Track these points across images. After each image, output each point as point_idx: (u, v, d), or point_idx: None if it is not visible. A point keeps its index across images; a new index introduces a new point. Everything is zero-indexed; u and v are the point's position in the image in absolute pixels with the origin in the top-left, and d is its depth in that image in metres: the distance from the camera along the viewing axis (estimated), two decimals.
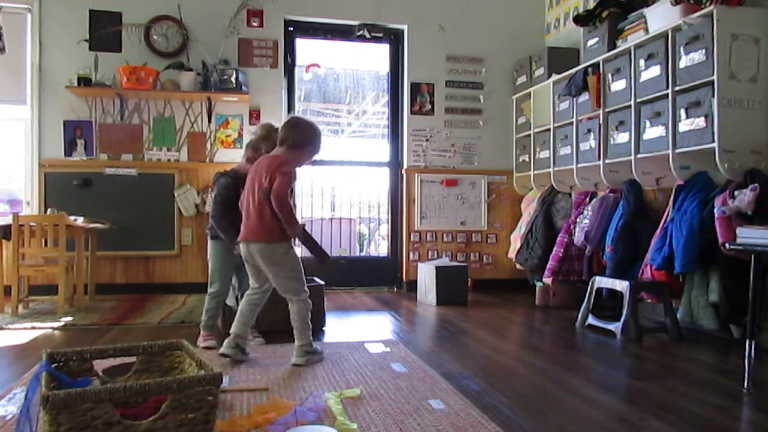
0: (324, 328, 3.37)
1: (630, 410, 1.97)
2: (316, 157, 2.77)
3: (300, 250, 2.69)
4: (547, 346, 3.12)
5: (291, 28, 5.08)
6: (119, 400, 1.36)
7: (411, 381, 2.25)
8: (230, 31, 4.80)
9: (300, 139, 2.58)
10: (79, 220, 4.02)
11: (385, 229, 5.51)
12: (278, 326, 2.95)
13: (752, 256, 2.23)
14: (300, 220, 2.64)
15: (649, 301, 3.45)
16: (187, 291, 4.63)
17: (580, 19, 4.22)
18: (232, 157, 4.86)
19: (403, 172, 5.20)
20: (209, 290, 2.94)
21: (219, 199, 2.86)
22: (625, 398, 2.15)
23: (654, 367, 2.63)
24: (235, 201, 2.73)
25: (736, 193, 2.87)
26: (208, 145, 4.84)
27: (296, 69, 5.19)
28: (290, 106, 5.13)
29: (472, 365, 2.56)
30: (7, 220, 3.73)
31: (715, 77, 3.01)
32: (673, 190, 3.36)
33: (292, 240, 2.58)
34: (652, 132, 3.46)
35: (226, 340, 2.59)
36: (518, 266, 4.79)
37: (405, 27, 5.21)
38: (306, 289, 2.58)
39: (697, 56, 3.12)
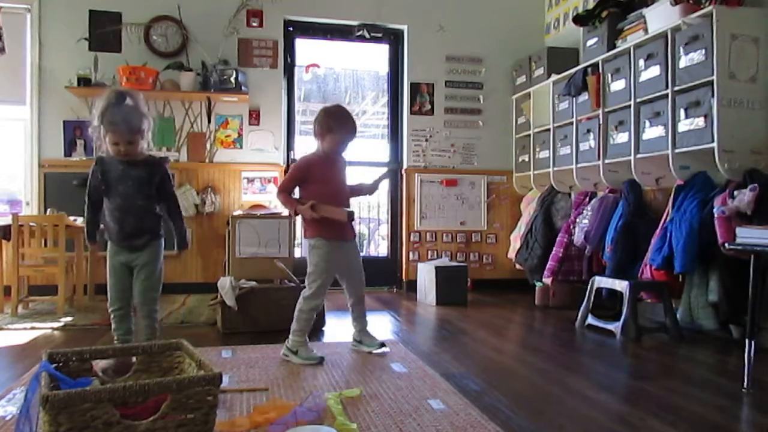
0: (324, 328, 3.37)
1: (630, 410, 1.97)
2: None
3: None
4: (547, 346, 3.12)
5: (291, 28, 5.08)
6: (119, 400, 1.36)
7: (411, 381, 2.25)
8: (230, 31, 4.79)
9: (314, 127, 2.70)
10: (79, 221, 4.01)
11: (384, 229, 5.50)
12: (277, 326, 2.96)
13: (752, 256, 2.23)
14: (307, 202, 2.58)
15: (649, 301, 3.45)
16: (187, 291, 4.63)
17: (580, 19, 4.22)
18: (232, 157, 4.87)
19: (403, 172, 5.20)
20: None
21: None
22: (625, 398, 2.15)
23: (654, 367, 2.63)
24: (100, 190, 2.41)
25: (735, 193, 2.87)
26: (208, 146, 4.84)
27: (296, 69, 5.19)
28: (290, 106, 5.13)
29: (472, 365, 2.56)
30: (7, 220, 3.73)
31: (714, 77, 3.01)
32: (673, 190, 3.36)
33: (329, 233, 2.59)
34: (652, 132, 3.46)
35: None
36: (518, 266, 4.79)
37: (405, 27, 5.21)
38: (318, 291, 2.63)
39: (697, 56, 3.12)
